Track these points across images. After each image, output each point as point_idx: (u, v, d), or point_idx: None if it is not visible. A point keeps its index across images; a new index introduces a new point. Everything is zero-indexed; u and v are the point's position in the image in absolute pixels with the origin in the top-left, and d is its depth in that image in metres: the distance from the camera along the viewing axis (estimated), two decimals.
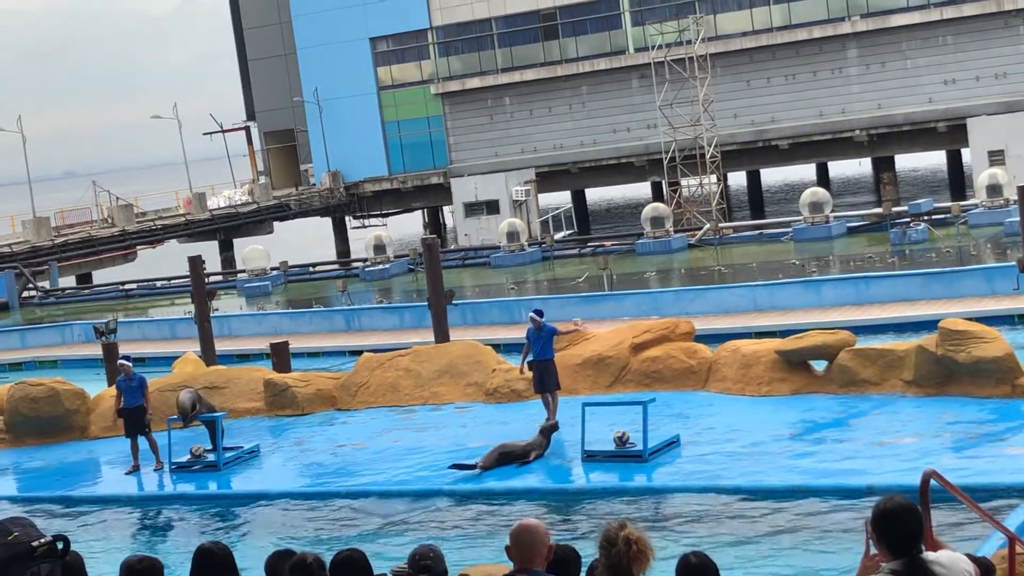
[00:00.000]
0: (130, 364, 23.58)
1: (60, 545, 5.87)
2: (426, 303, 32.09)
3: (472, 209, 68.67)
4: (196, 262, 33.47)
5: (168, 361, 33.49)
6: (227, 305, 54.74)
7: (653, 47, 67.35)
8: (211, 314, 34.35)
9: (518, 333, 23.17)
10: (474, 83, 76.56)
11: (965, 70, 65.94)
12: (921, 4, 66.76)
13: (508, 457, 20.70)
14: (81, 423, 27.09)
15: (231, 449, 23.39)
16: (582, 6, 73.78)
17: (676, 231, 57.34)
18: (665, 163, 65.51)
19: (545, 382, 22.60)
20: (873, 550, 6.20)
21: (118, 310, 57.06)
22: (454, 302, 32.84)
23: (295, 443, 24.22)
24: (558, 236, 64.05)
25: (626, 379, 24.72)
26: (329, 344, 38.59)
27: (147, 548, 18.99)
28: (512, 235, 59.03)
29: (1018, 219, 34.97)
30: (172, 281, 63.42)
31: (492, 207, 67.67)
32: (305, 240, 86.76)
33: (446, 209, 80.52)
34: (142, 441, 23.37)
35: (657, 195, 71.94)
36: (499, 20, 75.93)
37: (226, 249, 77.15)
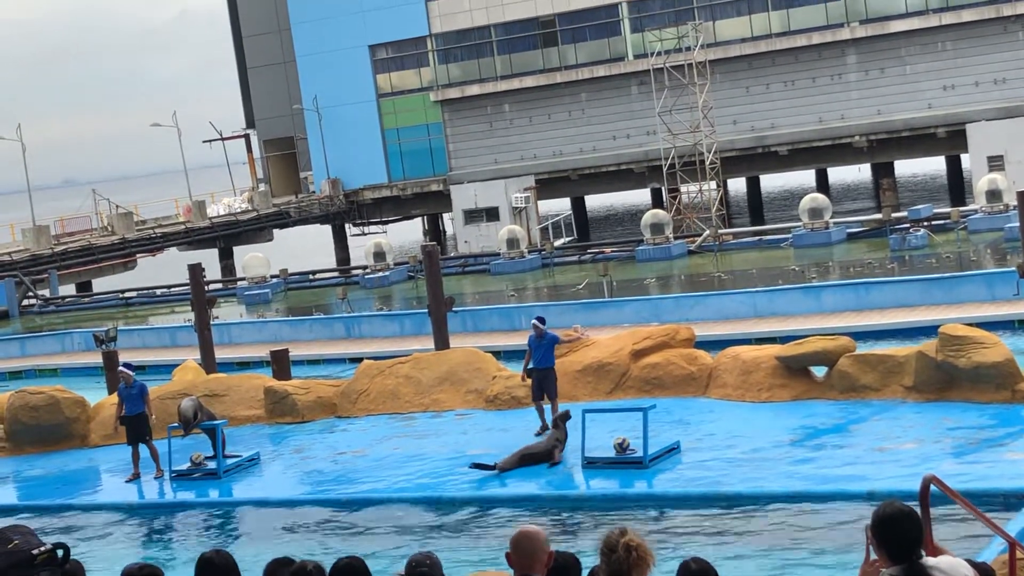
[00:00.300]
0: (131, 372, 23.54)
1: (60, 553, 5.87)
2: (426, 310, 32.10)
3: (472, 216, 68.68)
4: (196, 270, 33.48)
5: (168, 369, 33.44)
6: (227, 313, 54.74)
7: (652, 54, 67.41)
8: (211, 322, 34.36)
9: (518, 340, 23.20)
10: (473, 90, 76.61)
11: (964, 76, 65.99)
12: (920, 10, 66.82)
13: (529, 459, 20.72)
14: (81, 431, 27.07)
15: (231, 457, 23.38)
16: (581, 13, 73.86)
17: (676, 237, 57.34)
18: (665, 169, 65.53)
19: (544, 389, 22.61)
20: (873, 556, 6.21)
21: (118, 318, 57.06)
22: (454, 309, 32.85)
23: (295, 451, 24.21)
24: (558, 243, 64.07)
25: (626, 385, 24.71)
26: (329, 351, 38.58)
27: (147, 556, 18.98)
28: (512, 242, 59.03)
29: (1018, 224, 34.99)
30: (172, 289, 63.42)
31: (492, 214, 67.67)
32: (305, 247, 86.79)
33: (446, 216, 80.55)
34: (143, 449, 23.35)
35: (657, 202, 71.93)
36: (498, 27, 76.01)
37: (226, 257, 77.15)
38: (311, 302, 56.43)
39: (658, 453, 20.23)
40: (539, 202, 70.63)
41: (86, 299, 66.21)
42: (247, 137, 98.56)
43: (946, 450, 18.92)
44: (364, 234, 78.84)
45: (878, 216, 56.48)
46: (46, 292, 65.94)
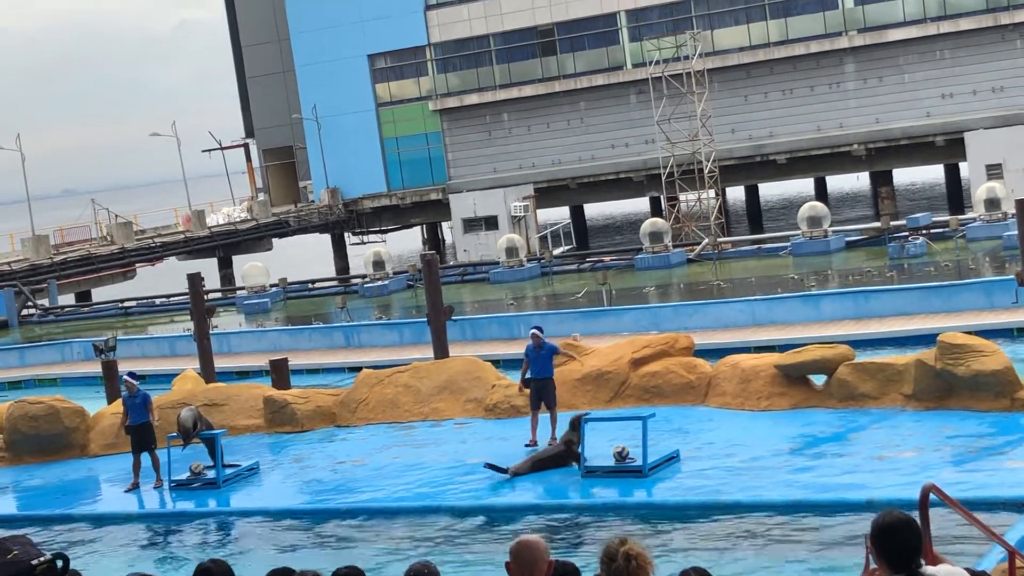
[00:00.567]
0: (135, 381, 23.47)
1: (60, 563, 5.88)
2: (425, 319, 32.09)
3: (471, 225, 68.71)
4: (195, 279, 33.48)
5: (168, 378, 33.43)
6: (226, 322, 54.75)
7: (651, 63, 67.48)
8: (210, 331, 34.35)
9: (518, 349, 23.17)
10: (472, 99, 76.69)
11: (962, 84, 66.09)
12: (918, 19, 66.93)
13: (543, 464, 20.71)
14: (81, 441, 27.06)
15: (231, 466, 23.37)
16: (580, 22, 73.97)
17: (675, 246, 57.35)
18: (663, 178, 65.57)
19: (543, 399, 22.50)
20: (873, 565, 6.21)
21: (117, 328, 57.03)
22: (453, 318, 32.83)
23: (295, 460, 24.19)
24: (557, 252, 64.08)
25: (625, 394, 24.71)
26: (328, 361, 38.57)
27: (147, 566, 18.97)
28: (511, 251, 59.04)
29: (1016, 232, 34.97)
30: (171, 298, 63.40)
31: (491, 223, 67.71)
32: (304, 257, 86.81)
33: (445, 225, 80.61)
34: (144, 458, 23.33)
35: (656, 210, 71.99)
36: (497, 36, 76.09)
37: (225, 266, 77.17)
38: (310, 311, 56.42)
39: (657, 462, 20.22)
40: (538, 211, 70.68)
41: (85, 309, 66.19)
42: (246, 146, 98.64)
43: (945, 458, 18.91)
44: (363, 243, 78.89)
45: (877, 224, 56.49)
46: (45, 302, 65.91)
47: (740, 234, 69.19)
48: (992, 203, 52.27)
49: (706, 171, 64.50)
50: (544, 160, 74.90)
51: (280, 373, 29.68)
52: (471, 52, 77.01)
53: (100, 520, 22.10)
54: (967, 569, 6.43)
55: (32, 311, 64.45)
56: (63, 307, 66.43)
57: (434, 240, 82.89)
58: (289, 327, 48.15)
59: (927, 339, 26.38)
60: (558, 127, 74.86)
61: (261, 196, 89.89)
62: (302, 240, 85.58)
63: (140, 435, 23.23)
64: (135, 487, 23.25)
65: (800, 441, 20.84)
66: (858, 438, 20.59)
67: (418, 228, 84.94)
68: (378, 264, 60.88)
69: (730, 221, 73.50)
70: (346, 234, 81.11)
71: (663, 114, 65.75)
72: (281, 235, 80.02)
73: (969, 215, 55.15)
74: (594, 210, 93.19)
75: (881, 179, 71.14)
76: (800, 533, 16.97)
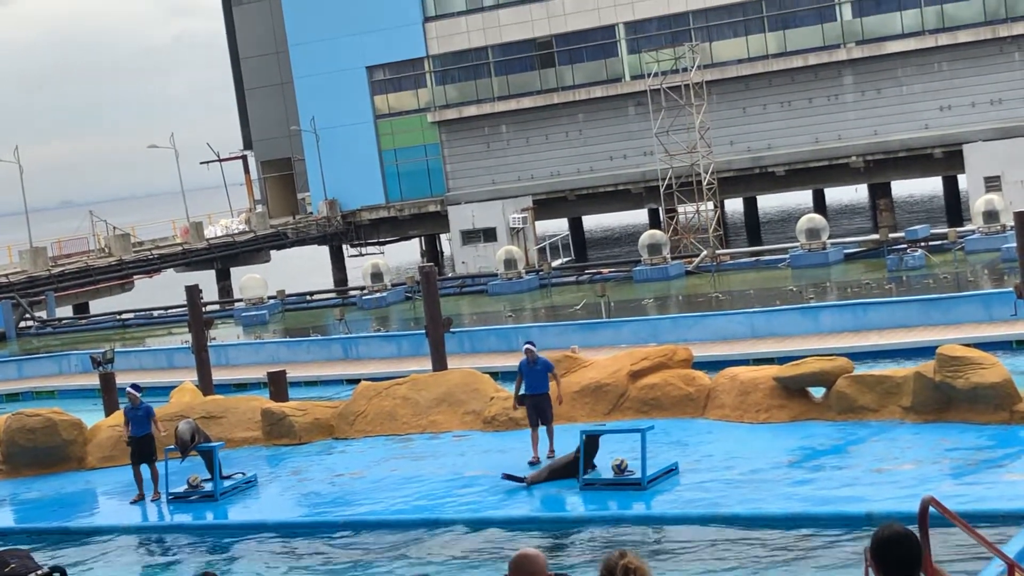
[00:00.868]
0: (138, 393, 23.42)
1: None
2: (424, 331, 32.07)
3: (469, 237, 68.72)
4: (193, 291, 33.47)
5: (166, 391, 33.39)
6: (224, 334, 54.73)
7: (649, 75, 67.56)
8: (208, 343, 34.32)
9: (516, 361, 23.08)
10: (471, 111, 76.75)
11: (961, 96, 66.16)
12: (916, 31, 67.01)
13: (559, 473, 20.63)
14: (78, 453, 27.01)
15: (229, 478, 23.33)
16: (578, 34, 74.05)
17: (673, 258, 57.37)
18: (662, 190, 65.61)
19: (541, 415, 22.23)
20: None
21: (115, 340, 57.00)
22: (452, 330, 32.82)
23: (293, 472, 24.16)
24: (555, 263, 64.09)
25: (624, 406, 24.68)
26: (327, 373, 38.54)
27: None
28: (509, 263, 59.04)
29: (1015, 245, 34.99)
30: (169, 311, 63.40)
31: (489, 235, 67.73)
32: (302, 269, 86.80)
33: (443, 237, 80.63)
34: (144, 470, 23.28)
35: (654, 222, 72.02)
36: (495, 48, 76.16)
37: (223, 278, 77.14)
38: (308, 323, 56.40)
39: (656, 474, 20.20)
40: (536, 223, 70.71)
41: (83, 321, 66.17)
42: (244, 158, 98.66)
43: (944, 471, 18.89)
44: (361, 255, 78.88)
45: (875, 237, 56.51)
46: (43, 314, 65.88)
47: (739, 246, 69.22)
48: (991, 215, 52.30)
49: (704, 183, 64.53)
50: (543, 172, 74.95)
51: (278, 385, 29.66)
52: (470, 64, 77.09)
53: (97, 533, 22.06)
54: None
55: (30, 323, 64.43)
56: (61, 319, 66.40)
57: (432, 252, 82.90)
58: (287, 339, 48.12)
59: (926, 351, 26.35)
60: (556, 139, 74.92)
61: (259, 208, 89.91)
62: (300, 252, 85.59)
63: (142, 447, 23.18)
64: (140, 499, 23.21)
65: (799, 453, 20.82)
66: (857, 451, 20.57)
67: (416, 240, 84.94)
68: (376, 276, 60.86)
69: (728, 233, 73.53)
70: (344, 246, 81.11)
71: (662, 126, 65.81)
72: (279, 247, 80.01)
73: (968, 227, 55.20)
74: (592, 222, 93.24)
75: (880, 191, 71.17)
76: (799, 546, 16.94)
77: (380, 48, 78.19)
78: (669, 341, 31.57)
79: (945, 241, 52.42)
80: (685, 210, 65.67)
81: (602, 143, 73.63)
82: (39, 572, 5.73)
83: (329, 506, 21.47)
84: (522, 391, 22.44)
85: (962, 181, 67.49)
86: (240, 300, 63.18)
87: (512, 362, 22.81)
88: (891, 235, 54.83)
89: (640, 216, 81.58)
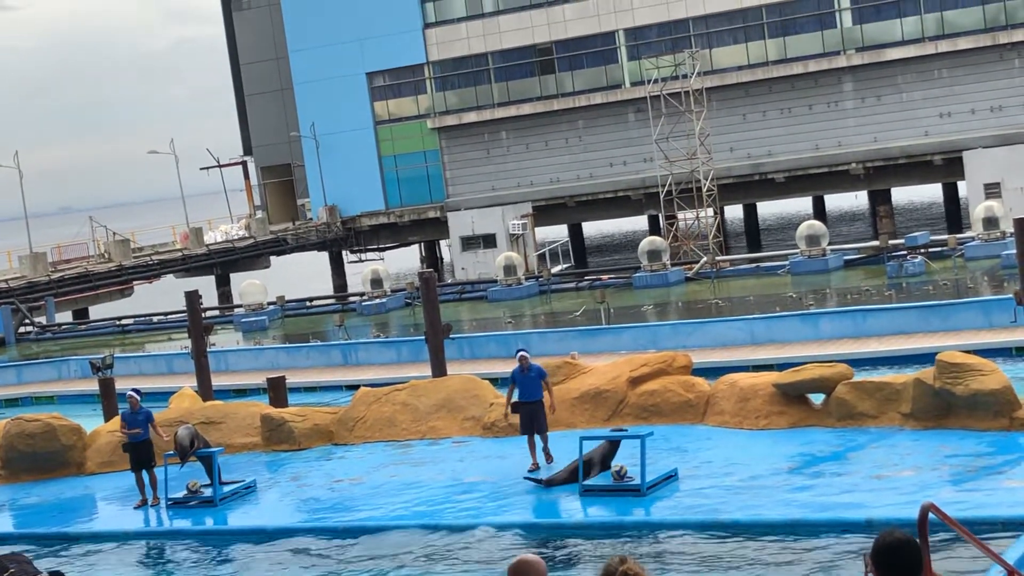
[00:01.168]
0: (138, 397, 23.38)
1: None
2: (423, 337, 32.05)
3: (469, 243, 68.71)
4: (193, 297, 33.46)
5: (165, 396, 33.33)
6: (224, 340, 54.72)
7: (649, 81, 67.57)
8: (208, 349, 34.31)
9: (516, 366, 23.04)
10: (471, 117, 76.76)
11: (961, 103, 66.19)
12: (916, 38, 67.04)
13: (576, 474, 20.60)
14: (77, 459, 27.00)
15: (228, 484, 23.32)
16: (578, 40, 74.08)
17: (673, 264, 57.36)
18: (662, 196, 65.60)
19: (535, 423, 22.11)
20: None
21: (115, 345, 57.01)
22: (451, 336, 32.81)
23: (292, 478, 24.15)
24: (555, 270, 64.08)
25: (624, 413, 24.66)
26: (326, 379, 38.53)
27: None
28: (509, 269, 59.03)
29: (1014, 251, 34.98)
30: (169, 316, 63.39)
31: (489, 241, 67.72)
32: (302, 274, 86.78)
33: (443, 243, 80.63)
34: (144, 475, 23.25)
35: (654, 228, 72.02)
36: (495, 55, 76.20)
37: (223, 284, 77.14)
38: (308, 329, 56.40)
39: (656, 480, 20.19)
40: (536, 229, 70.71)
41: (83, 326, 66.16)
42: (244, 164, 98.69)
43: (944, 478, 18.89)
44: (361, 261, 78.87)
45: (875, 243, 56.53)
46: (42, 319, 65.88)
47: (738, 253, 69.21)
48: (990, 222, 52.30)
49: (704, 189, 64.54)
50: (542, 178, 74.96)
51: (278, 391, 29.64)
52: (470, 70, 77.11)
53: (96, 538, 22.05)
54: None
55: (29, 328, 64.41)
56: (60, 325, 66.39)
57: (432, 258, 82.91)
58: (287, 345, 48.10)
59: (926, 358, 26.36)
60: (556, 145, 74.94)
61: (259, 214, 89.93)
62: (300, 258, 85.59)
63: (140, 452, 23.16)
64: (144, 503, 23.19)
65: (799, 460, 20.81)
66: (857, 457, 20.56)
67: (416, 246, 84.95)
68: (376, 282, 60.86)
69: (728, 240, 73.54)
70: (344, 252, 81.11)
71: (661, 132, 65.81)
72: (279, 253, 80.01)
73: (967, 234, 55.18)
74: (592, 228, 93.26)
75: (879, 198, 71.19)
76: (799, 552, 16.93)
77: (380, 54, 78.23)
78: (669, 347, 31.56)
79: (945, 248, 52.43)
80: (685, 217, 65.66)
81: (602, 149, 73.65)
82: None
83: (328, 512, 21.45)
84: (516, 399, 22.37)
85: (962, 188, 67.50)
86: (240, 306, 63.17)
87: (511, 368, 22.76)
88: (891, 242, 54.85)
89: (640, 222, 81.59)
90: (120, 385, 31.68)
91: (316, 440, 26.54)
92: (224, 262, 76.43)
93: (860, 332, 33.89)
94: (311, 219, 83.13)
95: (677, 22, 71.37)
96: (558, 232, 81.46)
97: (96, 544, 21.75)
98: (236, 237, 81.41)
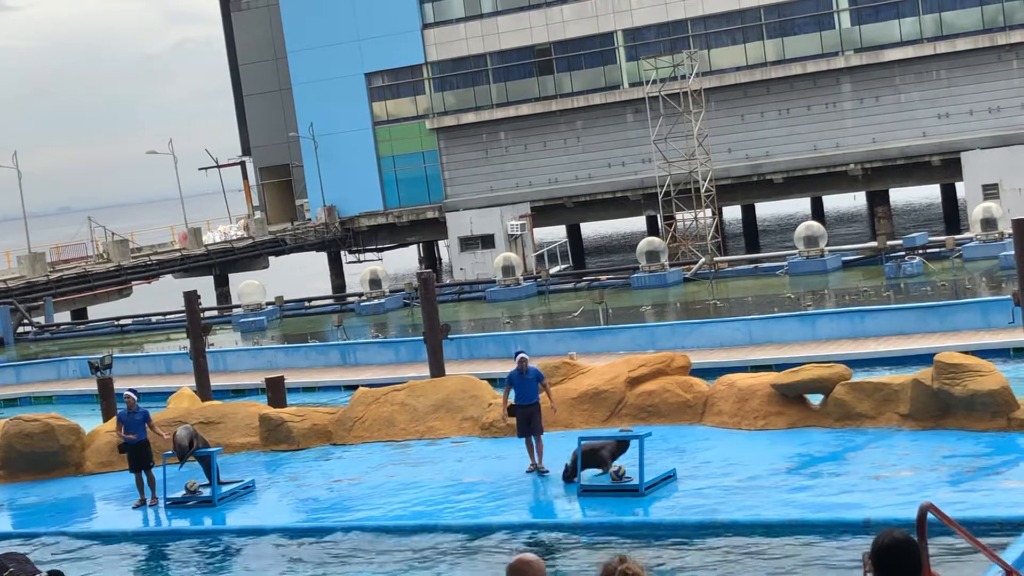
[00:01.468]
0: (135, 397, 23.37)
1: None
2: (421, 337, 32.06)
3: (467, 243, 68.72)
4: (191, 297, 33.46)
5: (163, 396, 33.35)
6: (222, 340, 54.71)
7: (647, 82, 67.58)
8: (206, 349, 34.31)
9: (514, 367, 23.04)
10: (469, 118, 76.74)
11: (959, 104, 66.20)
12: (915, 39, 67.06)
13: (588, 458, 20.63)
14: (76, 459, 27.01)
15: (226, 484, 23.33)
16: (577, 41, 74.07)
17: (671, 265, 57.36)
18: (660, 197, 65.60)
19: (532, 425, 22.04)
20: None
21: (113, 345, 56.99)
22: (449, 336, 32.81)
23: (290, 478, 24.16)
24: (553, 270, 64.08)
25: (622, 413, 24.67)
26: (324, 379, 38.52)
27: None
28: (507, 269, 59.04)
29: (1013, 252, 35.00)
30: (167, 316, 63.38)
31: (487, 241, 67.73)
32: (300, 275, 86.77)
33: (441, 243, 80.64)
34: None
35: (652, 229, 72.04)
36: (494, 55, 76.19)
37: (221, 284, 77.14)
38: (306, 329, 56.40)
39: (654, 481, 20.21)
40: (534, 229, 70.73)
41: (81, 326, 66.15)
42: (243, 164, 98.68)
43: (942, 478, 18.91)
44: (360, 261, 78.86)
45: (873, 244, 56.53)
46: (41, 319, 65.87)
47: (737, 253, 69.23)
48: (988, 223, 52.32)
49: (703, 190, 64.55)
50: (541, 179, 74.95)
51: (276, 391, 29.64)
52: (468, 71, 77.10)
53: (95, 538, 22.06)
54: None
55: (28, 329, 64.40)
56: (59, 325, 66.38)
57: (430, 258, 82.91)
58: (285, 345, 48.09)
59: (924, 359, 26.36)
60: (555, 146, 74.94)
61: (258, 214, 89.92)
62: (298, 258, 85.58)
63: (137, 453, 23.15)
64: (143, 503, 23.19)
65: (797, 460, 20.83)
66: (855, 457, 20.58)
67: (415, 246, 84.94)
68: (374, 282, 60.85)
69: (727, 240, 73.53)
70: (342, 252, 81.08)
71: (660, 133, 65.82)
72: (278, 253, 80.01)
73: (966, 235, 55.20)
74: (591, 229, 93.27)
75: (878, 199, 71.20)
76: (797, 552, 16.94)
77: (379, 55, 78.21)
78: (667, 348, 31.59)
79: (943, 249, 52.44)
80: (683, 217, 65.67)
81: (600, 150, 73.64)
82: None
83: (327, 512, 21.46)
84: (512, 401, 22.35)
85: (960, 189, 67.54)
86: (238, 306, 63.16)
87: (510, 369, 22.76)
88: (889, 243, 54.85)
89: (638, 223, 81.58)
90: (119, 385, 31.70)
91: (314, 440, 26.56)
92: (223, 262, 76.44)
93: (858, 333, 33.91)
94: (310, 219, 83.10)
95: (675, 23, 71.36)
96: (556, 233, 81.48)
97: (94, 543, 21.74)
98: (235, 237, 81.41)
